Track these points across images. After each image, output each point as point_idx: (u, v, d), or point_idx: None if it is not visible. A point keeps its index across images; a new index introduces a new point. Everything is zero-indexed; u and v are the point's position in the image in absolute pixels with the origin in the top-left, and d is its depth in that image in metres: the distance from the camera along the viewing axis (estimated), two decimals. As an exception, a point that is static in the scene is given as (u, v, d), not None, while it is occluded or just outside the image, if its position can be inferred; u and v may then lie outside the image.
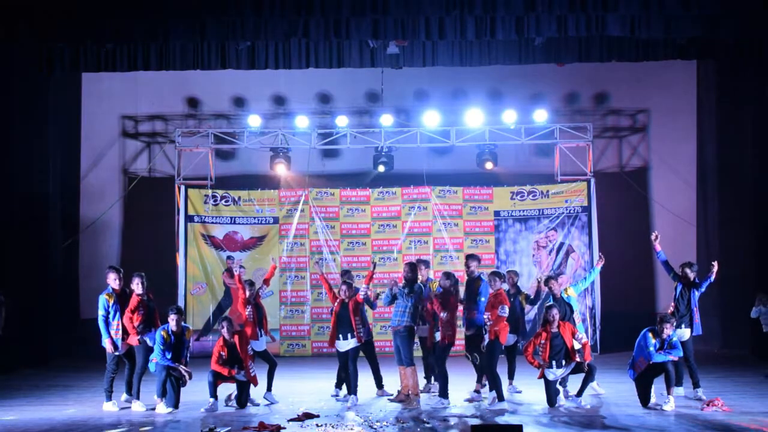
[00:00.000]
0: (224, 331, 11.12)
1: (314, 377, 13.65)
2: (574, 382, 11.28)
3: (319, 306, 16.69)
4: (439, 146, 17.32)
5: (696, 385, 11.46)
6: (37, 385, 13.31)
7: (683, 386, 11.59)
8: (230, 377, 11.09)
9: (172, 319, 10.95)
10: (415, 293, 11.43)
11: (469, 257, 12.06)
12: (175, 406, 10.96)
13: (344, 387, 11.83)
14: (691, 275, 11.76)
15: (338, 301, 11.56)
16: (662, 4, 13.14)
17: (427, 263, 12.67)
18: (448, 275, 11.44)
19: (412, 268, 11.68)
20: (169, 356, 10.87)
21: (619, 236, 16.91)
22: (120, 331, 11.13)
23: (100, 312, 11.17)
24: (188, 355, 11.24)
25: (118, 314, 11.15)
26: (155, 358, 10.91)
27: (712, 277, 11.66)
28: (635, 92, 18.10)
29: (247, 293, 11.84)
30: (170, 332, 10.94)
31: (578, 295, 12.34)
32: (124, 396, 11.42)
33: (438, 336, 11.36)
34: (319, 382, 12.75)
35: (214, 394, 11.02)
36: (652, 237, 12.02)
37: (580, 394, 11.09)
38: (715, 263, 11.76)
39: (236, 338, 11.16)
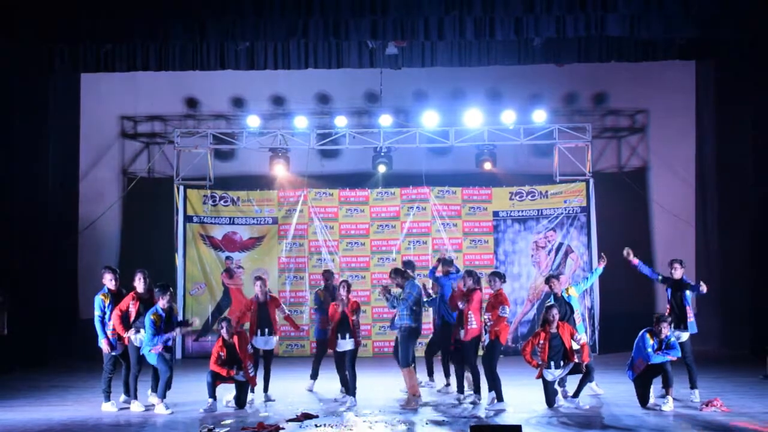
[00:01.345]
0: (223, 332, 11.12)
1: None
2: (573, 382, 11.28)
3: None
4: (438, 146, 17.32)
5: (693, 386, 11.42)
6: (36, 385, 13.30)
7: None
8: (229, 378, 11.08)
9: (162, 299, 10.95)
10: (408, 295, 11.41)
11: (443, 261, 12.68)
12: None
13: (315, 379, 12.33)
14: (677, 273, 11.71)
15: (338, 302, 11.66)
16: (662, 4, 13.15)
17: (409, 264, 12.69)
18: (470, 273, 11.53)
19: (398, 274, 11.66)
20: (162, 336, 10.86)
21: (618, 237, 16.82)
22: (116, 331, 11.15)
23: (96, 312, 11.18)
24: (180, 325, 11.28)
25: (114, 314, 11.18)
26: (150, 346, 10.87)
27: (703, 290, 11.57)
28: (634, 92, 18.10)
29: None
30: (161, 313, 10.93)
31: (578, 295, 12.33)
32: (123, 397, 11.42)
33: (462, 334, 11.39)
34: (318, 382, 12.73)
35: (212, 394, 11.01)
36: (625, 253, 11.95)
37: (576, 395, 11.08)
38: (704, 287, 11.62)
39: (235, 339, 11.16)
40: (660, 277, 11.85)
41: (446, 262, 12.70)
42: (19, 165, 15.37)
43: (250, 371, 11.12)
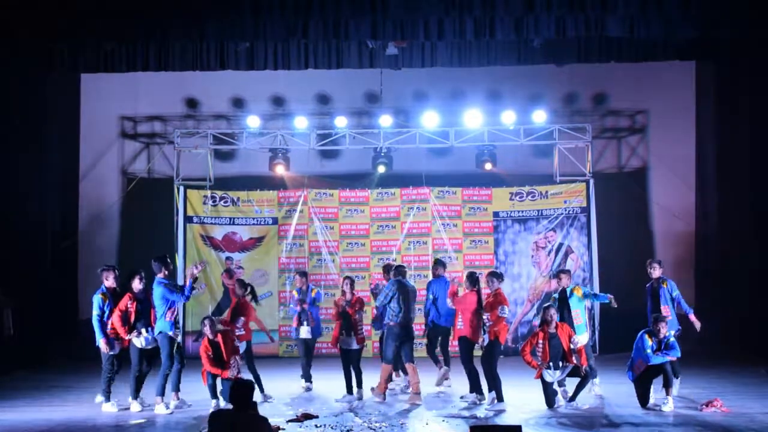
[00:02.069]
0: (206, 330, 11.10)
1: (313, 378, 13.60)
2: (573, 383, 11.27)
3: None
4: (438, 147, 17.30)
5: (675, 375, 11.33)
6: (37, 386, 13.30)
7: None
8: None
9: (162, 272, 11.12)
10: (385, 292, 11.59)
11: (436, 261, 13.01)
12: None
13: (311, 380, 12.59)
14: (655, 273, 11.83)
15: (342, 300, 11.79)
16: (661, 4, 13.15)
17: (388, 268, 12.71)
18: (468, 276, 11.60)
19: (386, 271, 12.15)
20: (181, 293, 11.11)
21: (618, 237, 16.91)
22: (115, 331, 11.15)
23: (95, 311, 11.19)
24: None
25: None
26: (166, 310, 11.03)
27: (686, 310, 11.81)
28: (634, 93, 18.07)
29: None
30: (166, 281, 11.12)
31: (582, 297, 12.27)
32: (116, 400, 11.38)
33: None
34: (319, 382, 12.74)
35: (215, 395, 11.03)
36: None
37: (573, 399, 11.09)
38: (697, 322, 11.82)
39: (219, 337, 11.14)
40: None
41: (439, 262, 12.83)
42: (19, 165, 15.38)
43: (234, 371, 11.03)
